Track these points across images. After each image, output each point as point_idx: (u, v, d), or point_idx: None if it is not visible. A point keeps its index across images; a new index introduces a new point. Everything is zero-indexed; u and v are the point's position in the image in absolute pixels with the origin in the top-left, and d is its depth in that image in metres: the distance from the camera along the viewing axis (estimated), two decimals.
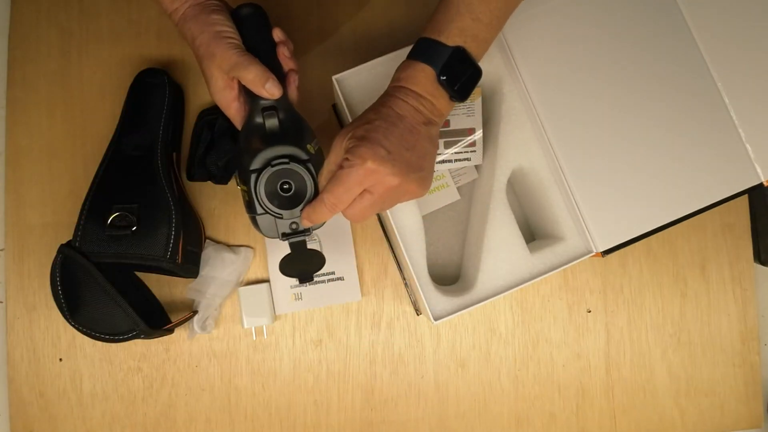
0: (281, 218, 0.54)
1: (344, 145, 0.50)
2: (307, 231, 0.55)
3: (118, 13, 0.73)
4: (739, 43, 0.64)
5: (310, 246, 0.56)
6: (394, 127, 0.50)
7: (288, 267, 0.57)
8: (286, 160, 0.53)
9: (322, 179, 0.53)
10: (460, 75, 0.52)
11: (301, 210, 0.54)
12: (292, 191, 0.54)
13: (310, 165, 0.54)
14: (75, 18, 0.72)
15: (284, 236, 0.54)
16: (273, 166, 0.53)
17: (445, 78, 0.51)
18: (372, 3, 0.74)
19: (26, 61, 0.72)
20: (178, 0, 0.55)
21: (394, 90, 0.52)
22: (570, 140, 0.62)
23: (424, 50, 0.52)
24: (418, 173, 0.51)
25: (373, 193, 0.50)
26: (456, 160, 0.67)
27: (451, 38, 0.52)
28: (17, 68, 0.72)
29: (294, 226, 0.54)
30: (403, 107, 0.51)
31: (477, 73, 0.54)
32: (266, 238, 0.71)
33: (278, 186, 0.53)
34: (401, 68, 0.53)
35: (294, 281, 0.71)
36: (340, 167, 0.50)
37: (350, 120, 0.62)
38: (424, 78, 0.51)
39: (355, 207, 0.51)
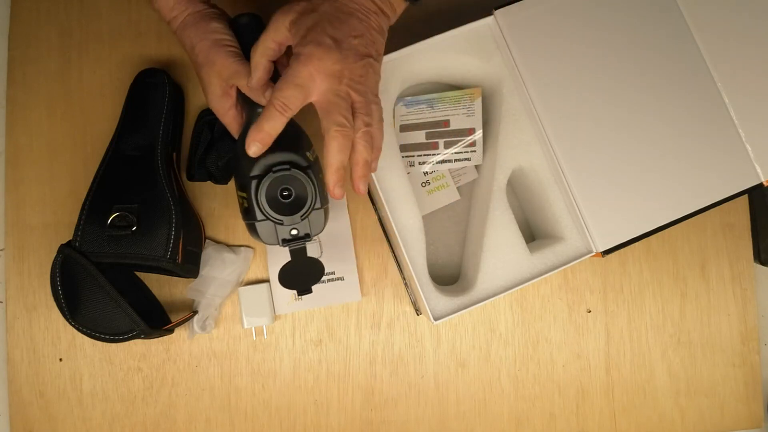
0: (282, 224, 0.54)
1: (289, 28, 0.48)
2: (307, 237, 0.55)
3: (118, 13, 0.73)
4: (739, 43, 0.64)
5: (310, 246, 0.56)
6: (341, 14, 0.49)
7: (287, 277, 0.56)
8: (287, 167, 0.53)
9: (257, 53, 0.51)
10: None
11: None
12: (292, 197, 0.54)
13: (310, 172, 0.54)
14: (75, 18, 0.72)
15: (285, 242, 0.54)
16: (275, 172, 0.53)
17: None
18: None
19: (26, 61, 0.72)
20: (177, 8, 0.55)
21: None
22: (570, 140, 0.62)
23: None
24: (366, 59, 0.49)
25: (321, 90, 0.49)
26: (456, 160, 0.67)
27: None
28: (17, 68, 0.72)
29: (294, 232, 0.54)
30: None
31: None
32: None
33: (278, 192, 0.53)
34: None
35: None
36: (289, 65, 0.48)
37: None
38: None
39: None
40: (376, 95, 0.53)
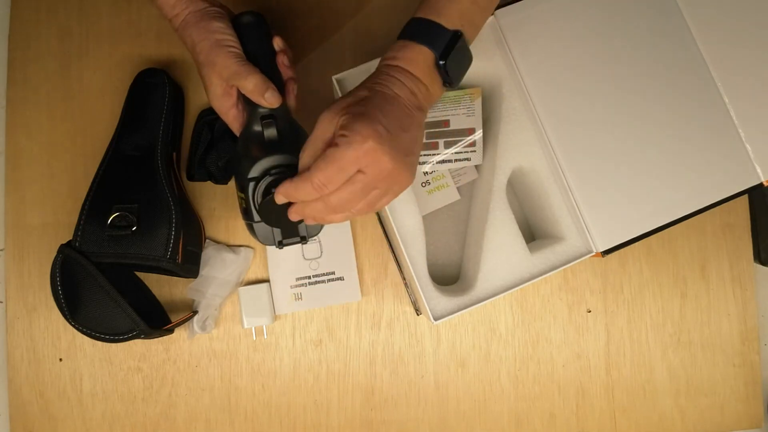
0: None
1: (338, 122, 0.46)
2: (303, 240, 0.55)
3: (118, 13, 0.73)
4: (739, 43, 0.64)
5: (310, 244, 0.56)
6: (390, 106, 0.47)
7: (270, 211, 0.52)
8: (285, 170, 0.53)
9: (305, 156, 0.48)
10: (457, 60, 0.51)
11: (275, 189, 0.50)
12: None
13: None
14: (75, 18, 0.72)
15: (281, 244, 0.55)
16: (271, 175, 0.53)
17: (443, 63, 0.50)
18: (372, 3, 0.74)
19: (26, 61, 0.72)
20: (179, 6, 0.55)
21: (389, 69, 0.50)
22: (570, 140, 0.62)
23: (424, 32, 0.50)
24: (410, 157, 0.48)
25: (367, 174, 0.45)
26: (456, 160, 0.67)
27: (451, 21, 0.50)
28: (17, 68, 0.72)
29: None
30: (399, 88, 0.48)
31: (470, 58, 0.53)
32: None
33: None
34: (397, 48, 0.50)
35: (294, 282, 0.71)
36: (334, 144, 0.45)
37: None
38: (423, 61, 0.50)
39: (343, 191, 0.46)
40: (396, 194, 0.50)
